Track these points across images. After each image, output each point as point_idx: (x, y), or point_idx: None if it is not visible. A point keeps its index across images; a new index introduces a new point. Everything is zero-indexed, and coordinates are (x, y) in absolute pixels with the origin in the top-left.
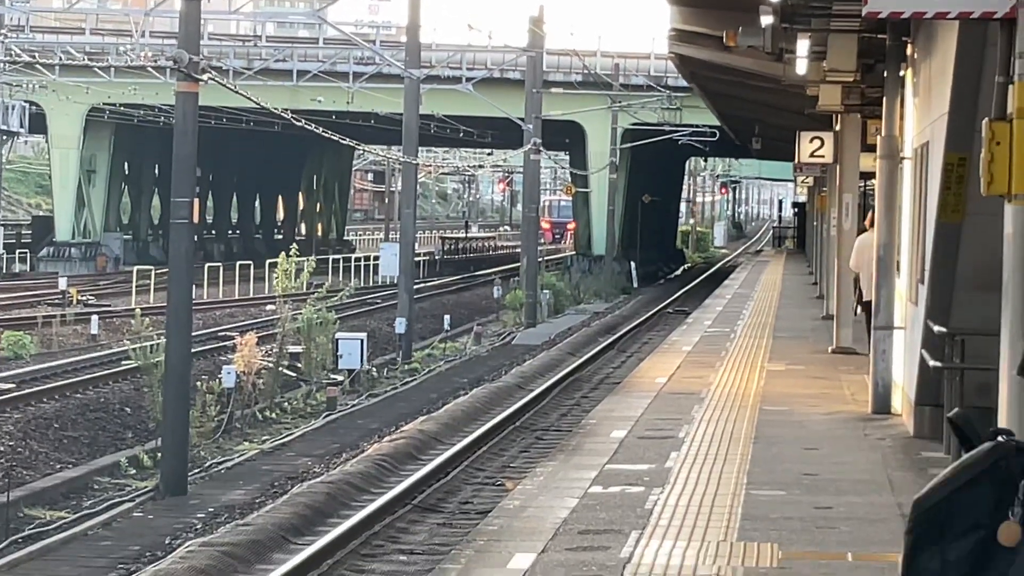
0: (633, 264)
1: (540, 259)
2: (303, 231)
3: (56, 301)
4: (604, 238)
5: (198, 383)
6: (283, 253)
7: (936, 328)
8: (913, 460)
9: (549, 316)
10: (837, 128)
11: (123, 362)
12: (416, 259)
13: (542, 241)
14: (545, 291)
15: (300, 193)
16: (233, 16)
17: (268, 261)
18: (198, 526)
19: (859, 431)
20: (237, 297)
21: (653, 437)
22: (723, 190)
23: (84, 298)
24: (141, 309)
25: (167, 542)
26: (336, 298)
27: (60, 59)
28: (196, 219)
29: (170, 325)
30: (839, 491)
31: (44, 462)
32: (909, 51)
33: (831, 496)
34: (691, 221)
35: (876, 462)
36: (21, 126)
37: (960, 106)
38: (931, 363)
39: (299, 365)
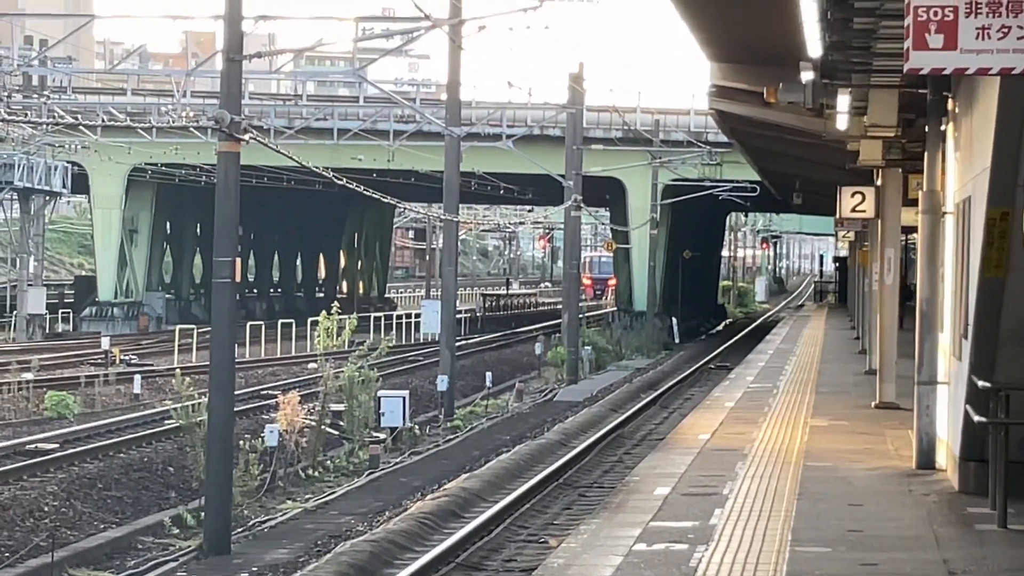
0: (674, 320)
1: (581, 315)
2: (344, 289)
3: (99, 361)
4: (645, 294)
5: (241, 442)
6: (324, 311)
7: (980, 383)
8: (959, 516)
9: (591, 372)
10: (878, 183)
11: (166, 421)
12: (457, 316)
13: (583, 297)
14: (587, 347)
15: (341, 251)
16: (274, 75)
17: (310, 319)
18: None
19: (904, 487)
20: (279, 355)
21: (697, 494)
22: (764, 245)
23: (127, 358)
24: (183, 368)
25: None
26: (375, 354)
27: (102, 120)
28: (238, 278)
29: (213, 384)
30: (885, 547)
31: (88, 522)
32: (950, 106)
33: (877, 553)
34: (732, 276)
35: (921, 518)
36: (64, 186)
37: (1002, 161)
38: (976, 418)
39: (341, 423)
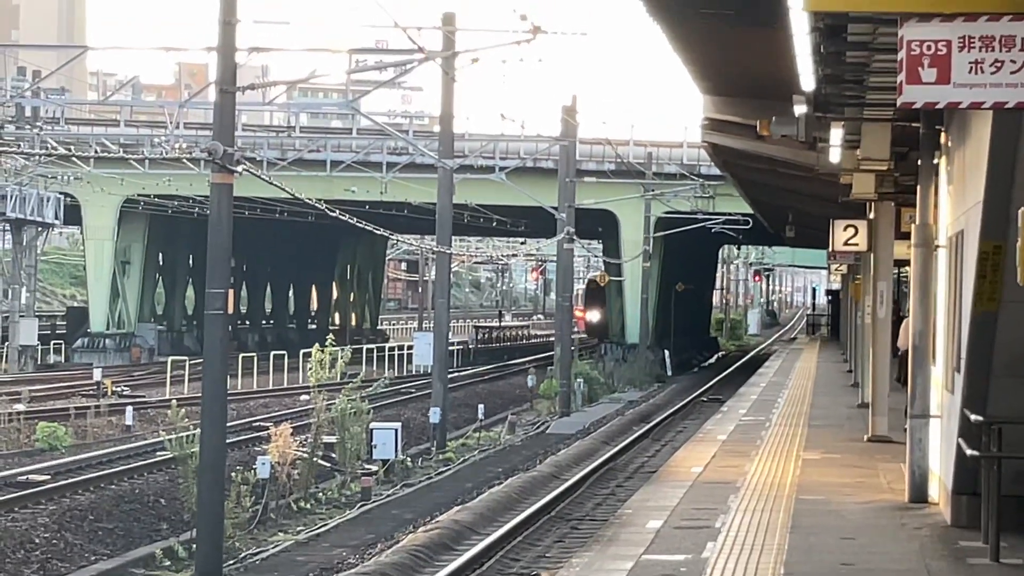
0: (667, 352)
1: (573, 347)
2: (337, 321)
3: (91, 392)
4: (638, 326)
5: (233, 474)
6: (317, 343)
7: (973, 417)
8: (951, 549)
9: (583, 405)
10: (871, 216)
11: (158, 453)
12: (450, 348)
13: (576, 330)
14: (579, 380)
15: (334, 282)
16: (267, 107)
17: (302, 351)
18: None
19: (896, 520)
20: (271, 387)
21: (689, 527)
22: (756, 277)
23: (119, 389)
24: (176, 400)
25: None
26: (372, 388)
27: (95, 151)
28: (231, 309)
29: (205, 415)
30: None
31: (79, 554)
32: (943, 139)
33: None
34: (724, 309)
35: (914, 552)
36: (56, 217)
37: (995, 195)
38: (968, 452)
39: (334, 455)
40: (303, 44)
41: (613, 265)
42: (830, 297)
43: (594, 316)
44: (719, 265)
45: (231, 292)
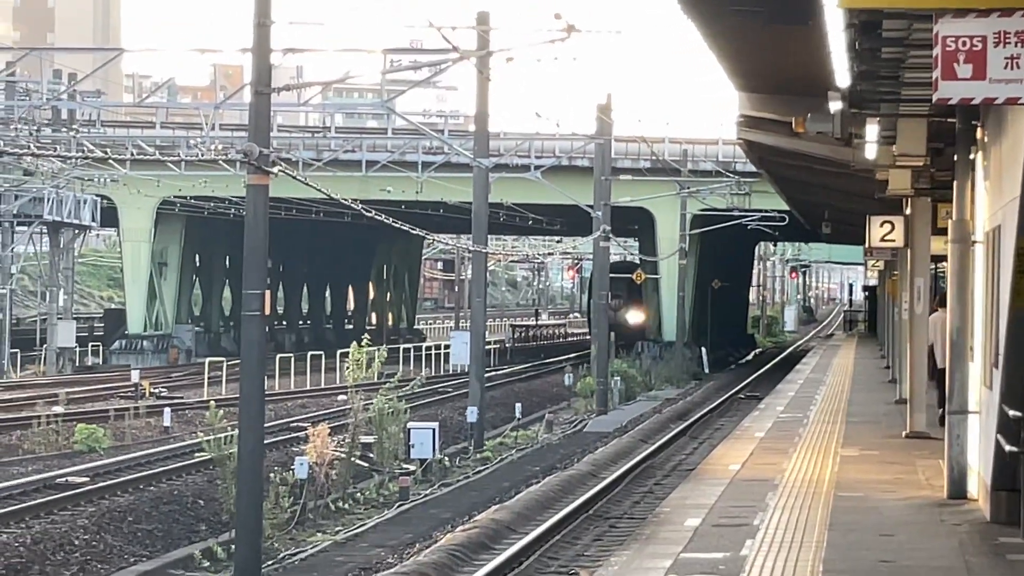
0: (703, 350)
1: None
2: (373, 320)
3: (129, 394)
4: (674, 324)
5: (271, 474)
6: (355, 343)
7: (1011, 412)
8: (990, 546)
9: (620, 403)
10: (907, 212)
11: (196, 454)
12: (487, 347)
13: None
14: (616, 377)
15: (370, 282)
16: (302, 108)
17: (339, 351)
18: None
19: (935, 517)
20: (309, 387)
21: (728, 525)
22: (793, 274)
23: (156, 390)
24: (214, 401)
25: None
26: (408, 388)
27: (131, 153)
28: (267, 310)
29: (242, 416)
30: None
31: (119, 555)
32: (979, 135)
33: None
34: (761, 306)
35: (953, 548)
36: (93, 220)
37: None
38: (1007, 447)
39: (371, 455)
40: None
41: (649, 263)
42: (867, 293)
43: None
44: (755, 262)
45: (268, 293)
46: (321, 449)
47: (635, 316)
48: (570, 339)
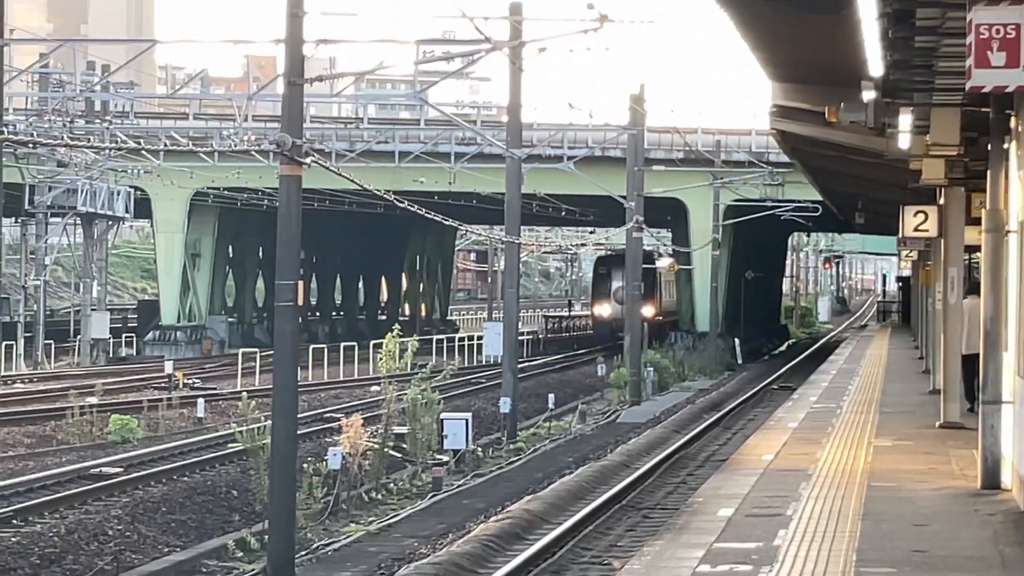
0: (737, 340)
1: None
2: (406, 311)
3: (162, 385)
4: (708, 314)
5: (304, 465)
6: (388, 334)
7: None
8: None
9: (654, 393)
10: (941, 202)
11: (229, 445)
12: (520, 338)
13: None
14: (649, 368)
15: (403, 273)
16: (335, 99)
17: (372, 342)
18: None
19: (969, 507)
20: (342, 378)
21: (761, 515)
22: (826, 265)
23: (190, 381)
24: (247, 392)
25: None
26: (439, 377)
27: (164, 144)
28: (300, 301)
29: (276, 407)
30: (950, 568)
31: (152, 546)
32: (1013, 124)
33: (942, 573)
34: (794, 296)
35: (987, 538)
36: (127, 211)
37: None
38: None
39: (404, 446)
40: (370, 36)
41: (682, 254)
42: (900, 284)
43: (603, 310)
44: (788, 252)
45: (301, 284)
46: (354, 440)
47: (646, 310)
48: None
